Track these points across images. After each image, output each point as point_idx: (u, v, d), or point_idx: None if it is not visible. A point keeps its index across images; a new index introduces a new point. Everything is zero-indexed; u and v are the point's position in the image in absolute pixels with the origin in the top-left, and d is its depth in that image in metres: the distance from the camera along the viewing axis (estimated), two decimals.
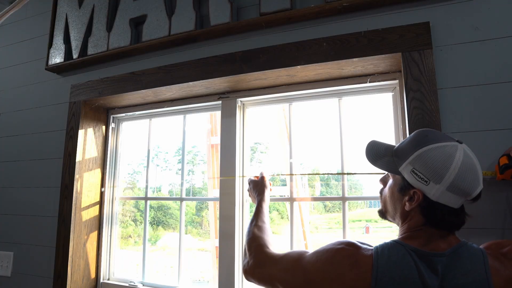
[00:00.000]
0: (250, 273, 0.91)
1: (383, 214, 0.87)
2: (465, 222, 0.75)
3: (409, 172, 0.75)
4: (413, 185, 0.74)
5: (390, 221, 0.85)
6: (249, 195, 1.26)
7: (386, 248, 0.73)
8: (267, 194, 1.18)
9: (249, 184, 1.26)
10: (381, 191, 0.88)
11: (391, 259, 0.71)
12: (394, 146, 0.84)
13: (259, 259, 0.91)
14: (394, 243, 0.74)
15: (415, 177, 0.73)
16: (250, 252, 0.95)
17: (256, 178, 1.25)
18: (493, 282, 0.66)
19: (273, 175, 1.28)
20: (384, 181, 0.88)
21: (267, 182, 1.22)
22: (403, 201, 0.77)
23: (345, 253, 0.75)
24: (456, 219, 0.73)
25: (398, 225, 0.82)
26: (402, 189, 0.77)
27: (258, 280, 0.89)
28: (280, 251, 0.92)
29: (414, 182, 0.74)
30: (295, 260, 0.82)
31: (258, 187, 1.20)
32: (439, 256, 0.70)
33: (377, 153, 0.84)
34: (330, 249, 0.78)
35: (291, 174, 1.39)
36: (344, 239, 0.80)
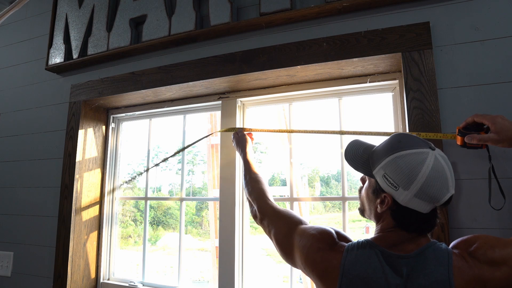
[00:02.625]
0: (258, 220, 1.05)
1: (362, 212, 0.89)
2: (436, 225, 0.77)
3: (381, 176, 0.76)
4: (384, 189, 0.76)
5: (368, 219, 0.87)
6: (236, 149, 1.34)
7: (356, 248, 0.77)
8: (249, 146, 1.27)
9: (232, 140, 1.34)
10: (360, 190, 0.89)
11: (358, 258, 0.75)
12: (374, 146, 0.85)
13: (264, 210, 1.02)
14: (364, 243, 0.77)
15: (386, 181, 0.75)
16: (256, 201, 1.07)
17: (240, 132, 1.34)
18: (454, 282, 0.68)
19: (250, 129, 1.35)
20: (363, 180, 0.89)
21: (246, 136, 1.30)
22: (375, 203, 0.79)
23: (320, 246, 0.80)
24: (425, 223, 0.75)
25: (375, 223, 0.84)
26: (375, 191, 0.79)
27: (262, 227, 1.03)
28: (280, 207, 1.03)
29: (385, 187, 0.75)
30: (289, 228, 0.91)
31: (240, 142, 1.28)
32: (404, 258, 0.73)
33: (355, 155, 0.85)
34: (311, 235, 0.83)
35: (265, 130, 1.38)
36: (327, 229, 0.84)
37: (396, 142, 0.77)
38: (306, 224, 0.90)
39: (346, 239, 0.83)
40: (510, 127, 0.82)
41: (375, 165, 0.78)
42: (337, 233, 0.84)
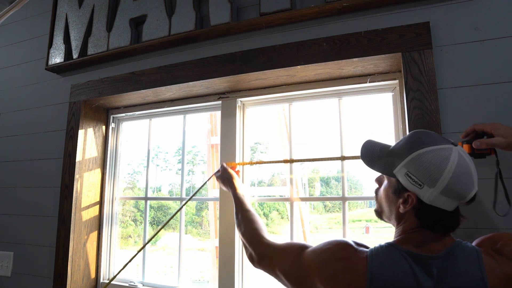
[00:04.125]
0: (256, 264, 0.97)
1: (379, 214, 0.87)
2: (460, 223, 0.75)
3: (403, 175, 0.74)
4: (407, 188, 0.74)
5: (386, 221, 0.85)
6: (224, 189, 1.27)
7: (381, 252, 0.73)
8: (237, 180, 1.21)
9: (217, 181, 1.28)
10: (377, 191, 0.87)
11: (385, 263, 0.71)
12: (390, 146, 0.83)
13: (261, 250, 0.96)
14: (388, 246, 0.74)
15: (409, 180, 0.73)
16: (250, 244, 1.00)
17: (219, 172, 1.28)
18: (488, 280, 0.66)
19: (232, 163, 1.32)
20: (379, 181, 0.87)
21: (230, 171, 1.25)
22: (397, 204, 0.77)
23: (340, 256, 0.75)
24: (450, 221, 0.73)
25: (393, 225, 0.82)
26: (397, 191, 0.77)
27: (263, 269, 0.95)
28: (278, 241, 0.95)
29: (408, 185, 0.73)
30: (295, 255, 0.84)
31: (225, 181, 1.23)
32: (434, 258, 0.71)
33: (372, 154, 0.84)
34: (326, 250, 0.79)
35: (249, 163, 1.38)
36: (341, 239, 0.80)
37: (417, 139, 0.75)
38: (311, 247, 0.84)
39: (365, 246, 0.78)
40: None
41: (396, 164, 0.76)
42: (353, 241, 0.79)
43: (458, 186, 0.69)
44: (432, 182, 0.70)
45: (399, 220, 0.78)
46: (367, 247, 0.77)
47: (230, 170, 1.26)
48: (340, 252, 0.76)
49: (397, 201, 0.77)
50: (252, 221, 1.05)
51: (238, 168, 1.34)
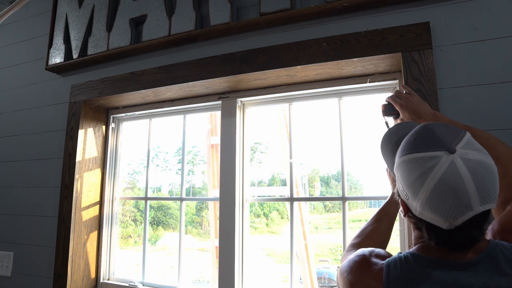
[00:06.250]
0: None
1: None
2: (480, 239, 0.60)
3: (397, 179, 0.65)
4: (399, 194, 0.65)
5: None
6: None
7: (398, 261, 0.63)
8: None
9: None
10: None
11: (404, 274, 0.61)
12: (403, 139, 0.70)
13: (342, 258, 0.85)
14: (407, 256, 0.64)
15: (399, 187, 0.64)
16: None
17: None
18: None
19: None
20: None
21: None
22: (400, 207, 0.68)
23: (356, 278, 0.66)
24: (456, 239, 0.59)
25: None
26: (397, 193, 0.68)
27: None
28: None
29: (400, 192, 0.64)
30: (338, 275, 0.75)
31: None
32: (467, 265, 0.59)
33: (387, 145, 0.75)
34: (344, 271, 0.69)
35: None
36: (356, 257, 0.69)
37: (410, 141, 0.64)
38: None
39: (382, 256, 0.68)
40: (419, 104, 0.89)
41: (395, 164, 0.66)
42: (371, 251, 0.69)
43: (439, 205, 0.56)
44: (413, 195, 0.59)
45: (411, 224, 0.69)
46: (385, 257, 0.67)
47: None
48: (353, 272, 0.67)
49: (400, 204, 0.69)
50: (361, 234, 0.89)
51: None
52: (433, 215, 0.57)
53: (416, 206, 0.60)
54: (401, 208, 0.67)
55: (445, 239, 0.60)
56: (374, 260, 0.66)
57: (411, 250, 0.66)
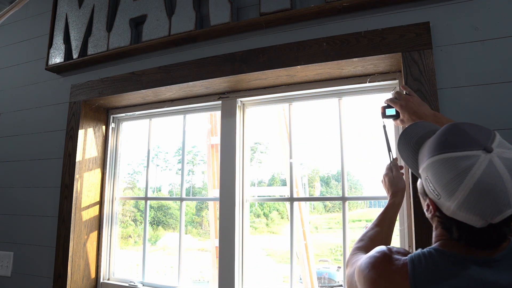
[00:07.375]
0: None
1: None
2: (506, 239, 0.61)
3: (424, 179, 0.65)
4: (427, 194, 0.65)
5: None
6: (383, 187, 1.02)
7: (423, 257, 0.63)
8: (401, 196, 0.94)
9: (384, 176, 1.00)
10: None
11: (430, 269, 0.60)
12: (429, 137, 0.69)
13: (347, 261, 0.86)
14: (431, 251, 0.63)
15: (428, 187, 0.63)
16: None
17: (396, 170, 0.98)
18: None
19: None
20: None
21: (403, 181, 0.97)
22: (424, 206, 0.69)
23: (379, 274, 0.65)
24: (486, 237, 0.59)
25: None
26: (422, 193, 0.68)
27: None
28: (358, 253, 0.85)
29: (428, 192, 0.64)
30: (350, 275, 0.76)
31: (393, 184, 0.96)
32: (491, 262, 0.59)
33: (407, 144, 0.73)
34: (365, 268, 0.68)
35: None
36: (376, 253, 0.68)
37: (442, 140, 0.63)
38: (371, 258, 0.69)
39: (402, 253, 0.67)
40: (418, 104, 0.92)
41: (421, 164, 0.66)
42: (390, 248, 0.69)
43: (478, 204, 0.56)
44: (448, 195, 0.59)
45: (433, 223, 0.68)
46: (404, 254, 0.66)
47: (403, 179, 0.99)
48: (374, 269, 0.66)
49: (424, 204, 0.68)
50: (366, 238, 0.89)
51: None
52: (470, 214, 0.57)
53: (449, 206, 0.59)
54: (426, 208, 0.66)
55: (477, 238, 0.60)
56: (396, 256, 0.65)
57: (433, 246, 0.66)
